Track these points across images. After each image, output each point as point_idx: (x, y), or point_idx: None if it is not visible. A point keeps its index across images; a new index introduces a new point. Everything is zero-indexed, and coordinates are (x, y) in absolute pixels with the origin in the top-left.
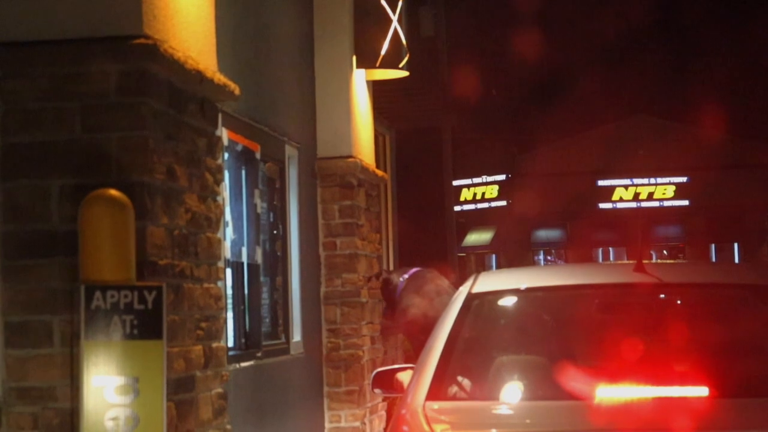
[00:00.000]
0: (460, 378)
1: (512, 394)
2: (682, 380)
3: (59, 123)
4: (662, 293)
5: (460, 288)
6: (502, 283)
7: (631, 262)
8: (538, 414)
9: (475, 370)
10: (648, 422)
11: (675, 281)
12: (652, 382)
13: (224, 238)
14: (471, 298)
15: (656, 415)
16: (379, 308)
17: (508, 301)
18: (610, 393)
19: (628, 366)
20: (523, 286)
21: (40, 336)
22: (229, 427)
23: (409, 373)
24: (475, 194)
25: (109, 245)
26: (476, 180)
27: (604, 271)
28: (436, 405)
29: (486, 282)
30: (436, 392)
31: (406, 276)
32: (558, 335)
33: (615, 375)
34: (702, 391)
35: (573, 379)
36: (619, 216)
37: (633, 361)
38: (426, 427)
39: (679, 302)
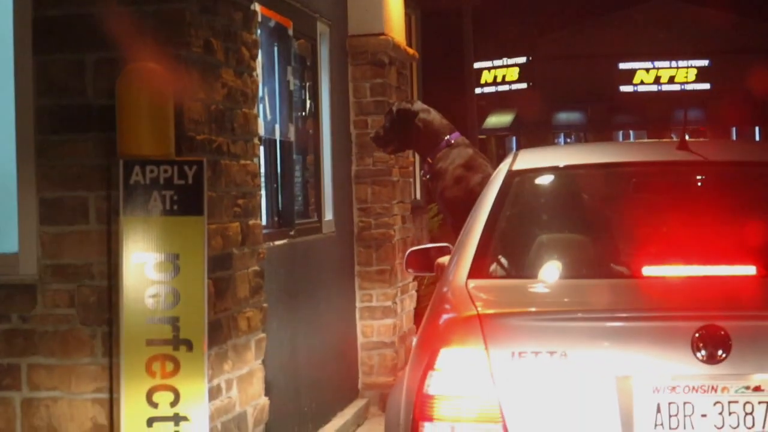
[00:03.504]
0: (501, 256)
1: (554, 272)
2: (730, 259)
3: None
4: (708, 171)
5: (500, 166)
6: (543, 160)
7: (672, 140)
8: (581, 292)
9: (517, 249)
10: (693, 300)
11: (721, 159)
12: (697, 262)
13: (259, 115)
14: (511, 175)
15: (702, 293)
16: (410, 188)
17: (550, 179)
18: (655, 271)
19: (673, 245)
20: (565, 164)
21: (76, 212)
22: (265, 305)
23: (444, 251)
24: (495, 77)
25: (148, 119)
26: (497, 62)
27: (646, 149)
28: (478, 283)
29: (526, 160)
30: (478, 270)
31: (453, 137)
32: (601, 214)
33: (659, 254)
34: (749, 270)
35: (616, 257)
36: (639, 99)
37: (678, 240)
38: (469, 305)
39: (725, 181)
